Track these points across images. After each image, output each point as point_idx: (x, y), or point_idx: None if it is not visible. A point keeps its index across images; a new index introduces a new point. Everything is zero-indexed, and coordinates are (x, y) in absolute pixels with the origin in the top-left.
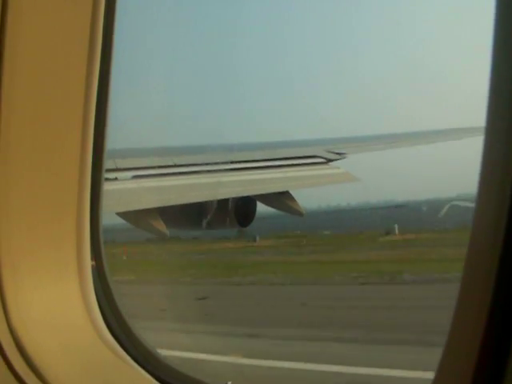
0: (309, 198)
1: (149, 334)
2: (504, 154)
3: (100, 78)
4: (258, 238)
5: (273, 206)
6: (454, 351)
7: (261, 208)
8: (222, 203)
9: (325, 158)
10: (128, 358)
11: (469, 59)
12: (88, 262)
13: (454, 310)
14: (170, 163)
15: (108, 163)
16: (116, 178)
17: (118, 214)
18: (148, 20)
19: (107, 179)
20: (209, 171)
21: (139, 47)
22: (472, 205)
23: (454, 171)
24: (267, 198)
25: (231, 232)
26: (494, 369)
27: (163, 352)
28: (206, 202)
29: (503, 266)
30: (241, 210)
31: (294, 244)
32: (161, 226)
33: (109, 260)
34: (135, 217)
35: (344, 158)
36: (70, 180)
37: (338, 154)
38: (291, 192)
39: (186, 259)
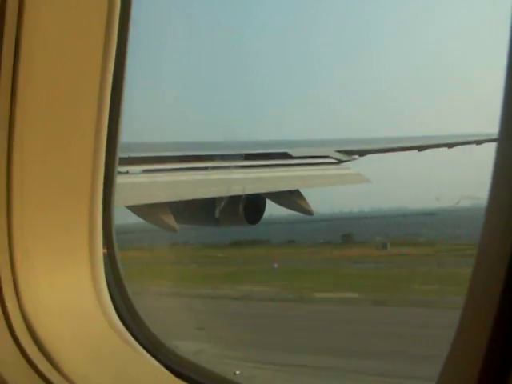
0: (322, 202)
1: None
2: None
3: (114, 73)
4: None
5: (283, 205)
6: (460, 350)
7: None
8: (232, 200)
9: (336, 159)
10: (137, 345)
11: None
12: (100, 250)
13: (462, 309)
14: (183, 158)
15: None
16: (127, 172)
17: (129, 207)
18: (164, 17)
19: (119, 173)
20: (220, 167)
21: (156, 42)
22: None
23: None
24: (277, 196)
25: (328, 236)
26: (499, 369)
27: None
28: (216, 198)
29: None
30: (250, 208)
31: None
32: (170, 220)
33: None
34: (146, 211)
35: (356, 159)
36: (84, 168)
37: (349, 155)
38: (302, 191)
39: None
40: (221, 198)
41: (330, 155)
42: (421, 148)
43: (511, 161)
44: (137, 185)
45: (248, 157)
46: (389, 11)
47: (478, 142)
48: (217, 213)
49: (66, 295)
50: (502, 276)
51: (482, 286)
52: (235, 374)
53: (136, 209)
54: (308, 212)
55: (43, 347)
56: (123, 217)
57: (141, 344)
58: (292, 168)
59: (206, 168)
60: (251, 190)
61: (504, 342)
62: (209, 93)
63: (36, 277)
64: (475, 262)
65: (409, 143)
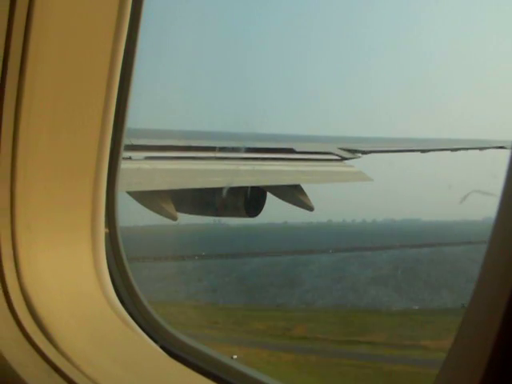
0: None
1: None
2: None
3: (124, 59)
4: None
5: (283, 199)
6: (465, 343)
7: None
8: (233, 191)
9: (339, 156)
10: (135, 325)
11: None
12: (102, 230)
13: (467, 307)
14: (187, 147)
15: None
16: (130, 158)
17: (130, 193)
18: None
19: (122, 158)
20: (223, 158)
21: (169, 34)
22: None
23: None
24: (278, 190)
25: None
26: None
27: None
28: (217, 189)
29: None
30: (250, 200)
31: None
32: (171, 208)
33: None
34: (146, 198)
35: (359, 157)
36: (90, 148)
37: (353, 152)
38: (303, 186)
39: None
40: (221, 189)
41: (333, 152)
42: (424, 150)
43: None
44: (139, 171)
45: (250, 149)
46: (397, 11)
47: (481, 148)
48: (217, 203)
49: (66, 273)
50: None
51: (488, 288)
52: (232, 358)
53: (137, 195)
54: (309, 207)
55: (41, 323)
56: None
57: (139, 325)
58: (294, 162)
59: (208, 158)
60: (251, 182)
61: (509, 345)
62: (219, 86)
63: (37, 253)
64: (484, 258)
65: (412, 145)
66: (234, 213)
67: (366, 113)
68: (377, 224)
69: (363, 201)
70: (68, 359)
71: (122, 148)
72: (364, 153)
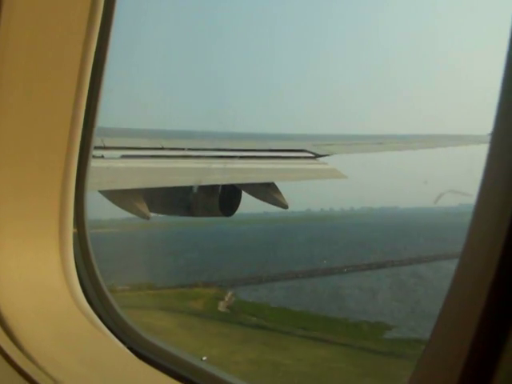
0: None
1: None
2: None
3: (95, 56)
4: None
5: (258, 197)
6: (439, 348)
7: None
8: (207, 190)
9: (313, 153)
10: (103, 326)
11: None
12: (70, 232)
13: (443, 304)
14: (158, 146)
15: (96, 141)
16: (102, 156)
17: (102, 192)
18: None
19: (94, 157)
20: (196, 157)
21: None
22: None
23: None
24: (253, 189)
25: None
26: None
27: None
28: (191, 188)
29: (501, 265)
30: (225, 199)
31: None
32: (144, 207)
33: None
34: (119, 197)
35: (333, 154)
36: (59, 147)
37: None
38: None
39: None
40: (195, 188)
41: (307, 149)
42: (400, 148)
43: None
44: (111, 170)
45: (224, 148)
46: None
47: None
48: (191, 203)
49: (33, 272)
50: (490, 275)
51: (467, 282)
52: (202, 359)
53: (109, 194)
54: (283, 205)
55: (6, 324)
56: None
57: (107, 326)
58: (266, 160)
59: (180, 156)
60: (226, 180)
61: (488, 340)
62: (191, 85)
63: (2, 249)
64: (460, 259)
65: (389, 142)
66: (209, 212)
67: (339, 110)
68: (355, 212)
69: (342, 193)
70: (33, 361)
71: (92, 148)
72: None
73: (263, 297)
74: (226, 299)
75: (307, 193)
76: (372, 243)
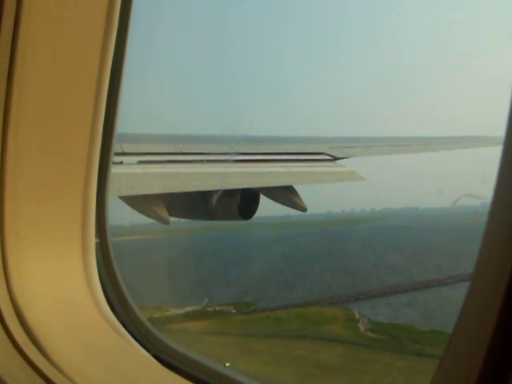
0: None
1: None
2: None
3: (113, 64)
4: None
5: (277, 201)
6: (459, 348)
7: None
8: (226, 194)
9: (331, 156)
10: (127, 335)
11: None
12: (92, 239)
13: (462, 307)
14: (177, 151)
15: (115, 147)
16: (122, 162)
17: (122, 197)
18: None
19: (113, 163)
20: (214, 161)
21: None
22: None
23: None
24: (271, 192)
25: None
26: (500, 370)
27: None
28: (210, 192)
29: None
30: (244, 202)
31: None
32: (163, 212)
33: None
34: (138, 202)
35: (351, 157)
36: (79, 157)
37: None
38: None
39: None
40: (214, 192)
41: (325, 152)
42: (416, 150)
43: None
44: (131, 175)
45: (242, 152)
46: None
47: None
48: (210, 207)
49: (57, 283)
50: (506, 275)
51: (484, 285)
52: (225, 366)
53: (129, 199)
54: (302, 208)
55: (32, 334)
56: None
57: (131, 334)
58: (286, 164)
59: (200, 161)
60: (244, 184)
61: (506, 342)
62: (207, 88)
63: (27, 264)
64: (478, 257)
65: (408, 144)
66: (228, 216)
67: (356, 113)
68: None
69: (360, 194)
70: (59, 370)
71: (112, 154)
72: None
73: (388, 314)
74: (361, 320)
75: (326, 194)
76: (441, 248)
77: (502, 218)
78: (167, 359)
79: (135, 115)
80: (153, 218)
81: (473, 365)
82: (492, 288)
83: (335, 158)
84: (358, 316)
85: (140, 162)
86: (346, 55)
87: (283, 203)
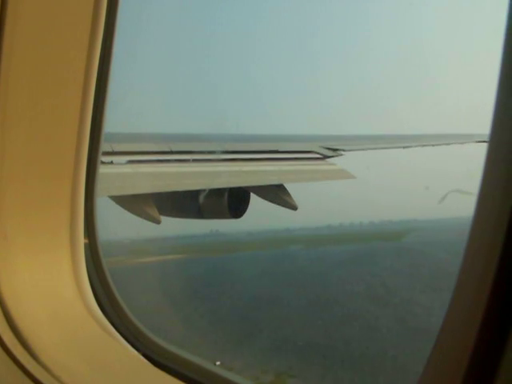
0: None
1: None
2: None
3: (100, 61)
4: None
5: (267, 199)
6: (445, 348)
7: None
8: (216, 193)
9: (321, 154)
10: (116, 333)
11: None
12: (81, 238)
13: (448, 308)
14: (167, 150)
15: (104, 146)
16: (111, 162)
17: (112, 197)
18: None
19: (102, 163)
20: (204, 160)
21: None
22: None
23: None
24: (262, 191)
25: None
26: (486, 368)
27: None
28: (201, 191)
29: (501, 267)
30: (234, 201)
31: None
32: (154, 212)
33: None
34: (128, 202)
35: (340, 155)
36: (67, 155)
37: (334, 150)
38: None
39: None
40: (204, 191)
41: (315, 150)
42: (405, 146)
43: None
44: (120, 175)
45: (232, 151)
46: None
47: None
48: (200, 205)
49: (46, 284)
50: (492, 272)
51: (469, 284)
52: (215, 364)
53: (119, 199)
54: (292, 207)
55: (20, 335)
56: None
57: (120, 332)
58: (276, 162)
59: (190, 160)
60: (235, 183)
61: (491, 341)
62: (197, 87)
63: (15, 261)
64: (463, 258)
65: (394, 141)
66: (218, 214)
67: (345, 110)
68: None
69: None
70: (48, 371)
71: (100, 155)
72: (345, 150)
73: None
74: None
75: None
76: None
77: (488, 215)
78: (157, 358)
79: (125, 115)
80: (143, 218)
81: (458, 366)
82: (478, 288)
83: (325, 157)
84: None
85: (130, 162)
86: (333, 55)
87: (274, 201)
